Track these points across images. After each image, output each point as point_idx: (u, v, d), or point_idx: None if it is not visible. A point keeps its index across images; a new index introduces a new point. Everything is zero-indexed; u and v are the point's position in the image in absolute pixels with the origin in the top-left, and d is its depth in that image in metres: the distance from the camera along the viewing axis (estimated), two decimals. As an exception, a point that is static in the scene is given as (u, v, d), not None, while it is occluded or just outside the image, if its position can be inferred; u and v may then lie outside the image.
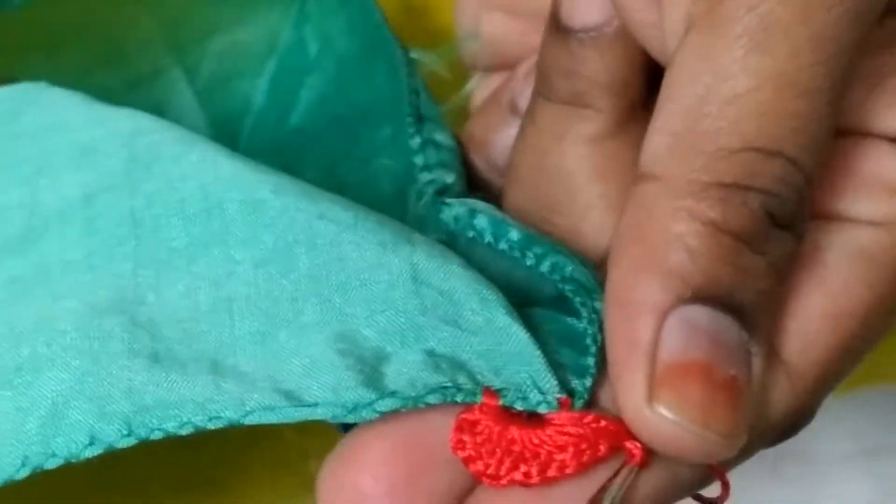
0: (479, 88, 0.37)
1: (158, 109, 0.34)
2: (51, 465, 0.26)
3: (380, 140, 0.34)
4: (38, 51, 0.38)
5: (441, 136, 0.34)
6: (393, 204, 0.32)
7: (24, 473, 0.26)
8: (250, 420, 0.26)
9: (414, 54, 0.36)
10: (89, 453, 0.26)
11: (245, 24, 0.37)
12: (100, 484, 0.37)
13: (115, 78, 0.34)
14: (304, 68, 0.36)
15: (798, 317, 0.28)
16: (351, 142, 0.35)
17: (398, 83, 0.35)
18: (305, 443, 0.39)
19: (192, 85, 0.36)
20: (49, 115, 0.32)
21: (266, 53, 0.37)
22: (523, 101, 0.33)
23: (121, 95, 0.33)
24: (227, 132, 0.34)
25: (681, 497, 0.28)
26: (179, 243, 0.29)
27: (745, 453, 0.27)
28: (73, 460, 0.26)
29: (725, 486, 0.27)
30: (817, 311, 0.28)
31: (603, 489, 0.26)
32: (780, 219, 0.26)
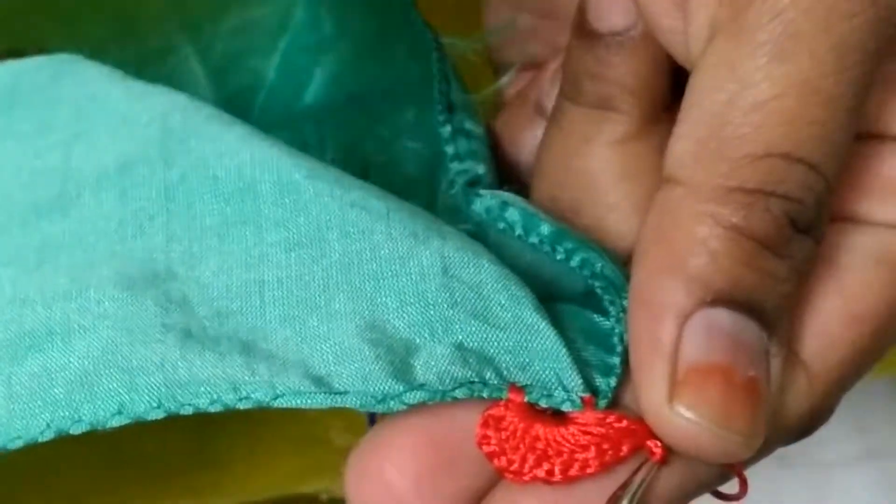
0: (510, 85, 0.37)
1: (170, 86, 0.34)
2: (76, 430, 0.26)
3: (403, 122, 0.35)
4: (52, 26, 0.38)
5: (471, 125, 0.34)
6: (419, 188, 0.32)
7: (48, 436, 0.26)
8: (279, 403, 0.26)
9: (446, 40, 0.36)
10: (116, 422, 0.26)
11: (258, 2, 0.38)
12: (111, 462, 0.38)
13: (127, 54, 0.34)
14: (319, 46, 0.36)
15: (816, 318, 0.28)
16: (371, 120, 0.35)
17: (424, 67, 0.35)
18: (328, 419, 0.39)
19: (203, 62, 0.36)
20: (86, 84, 0.33)
21: (278, 31, 0.36)
22: (549, 102, 0.33)
23: (133, 71, 0.33)
24: (237, 108, 0.34)
25: (699, 494, 0.28)
26: (212, 221, 0.29)
27: (762, 452, 0.27)
28: (99, 428, 0.26)
29: (743, 483, 0.28)
30: (835, 313, 0.28)
31: (623, 487, 0.27)
32: (802, 224, 0.26)
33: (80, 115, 0.32)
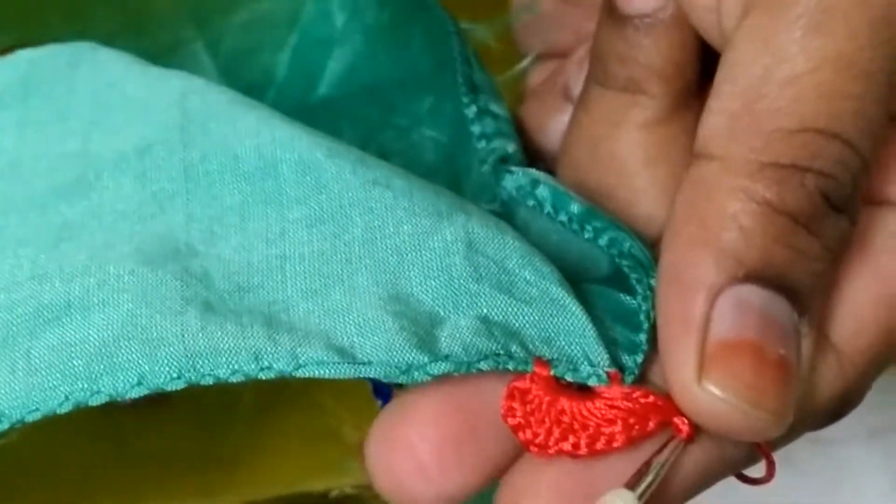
0: (533, 74, 0.37)
1: None
2: (94, 401, 0.26)
3: (421, 110, 0.34)
4: (61, 20, 0.38)
5: (496, 107, 0.34)
6: (439, 175, 0.32)
7: (66, 408, 0.26)
8: (301, 373, 0.26)
9: (464, 25, 0.36)
10: (135, 393, 0.26)
11: (268, -4, 0.38)
12: (118, 461, 0.38)
13: (137, 48, 0.34)
14: (331, 40, 0.36)
15: (848, 300, 0.28)
16: (387, 110, 0.35)
17: (440, 54, 0.35)
18: (341, 412, 0.39)
19: (213, 56, 0.37)
20: (103, 71, 0.33)
21: (288, 25, 0.36)
22: (577, 87, 0.33)
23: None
24: None
25: (725, 475, 0.28)
26: (232, 200, 0.29)
27: (791, 434, 0.27)
28: (119, 399, 0.26)
29: (771, 466, 0.28)
30: (868, 296, 0.28)
31: (648, 463, 0.26)
32: (836, 201, 0.26)
33: (99, 101, 0.32)
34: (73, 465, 0.37)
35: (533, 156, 0.34)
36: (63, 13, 0.38)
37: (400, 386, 0.38)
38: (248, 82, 0.35)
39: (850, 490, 0.48)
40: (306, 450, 0.41)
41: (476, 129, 0.33)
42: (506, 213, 0.30)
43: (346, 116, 0.35)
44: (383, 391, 0.36)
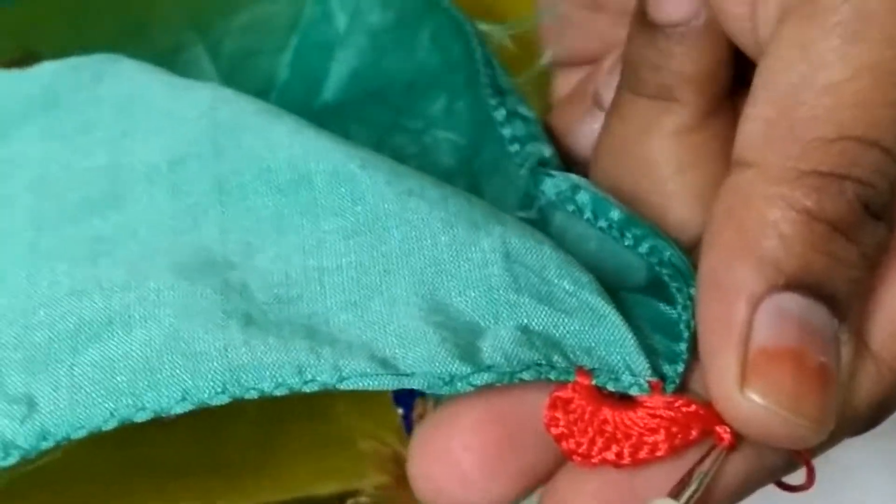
0: (560, 81, 0.37)
1: None
2: (140, 417, 0.26)
3: (433, 112, 0.34)
4: (62, 27, 0.38)
5: (524, 109, 0.34)
6: (456, 178, 0.32)
7: (111, 425, 0.26)
8: (345, 385, 0.26)
9: (481, 27, 0.36)
10: (180, 409, 0.26)
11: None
12: (123, 467, 0.38)
13: (138, 53, 0.34)
14: (333, 42, 0.36)
15: (886, 306, 0.28)
16: (396, 113, 0.35)
17: (451, 54, 0.35)
18: (353, 418, 0.39)
19: (215, 60, 0.36)
20: (128, 83, 0.33)
21: (289, 28, 0.36)
22: (608, 94, 0.33)
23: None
24: None
25: (766, 482, 0.28)
26: (267, 212, 0.29)
27: (831, 441, 0.27)
28: (163, 415, 0.26)
29: (811, 473, 0.28)
30: None
31: (691, 472, 0.26)
32: (874, 209, 0.26)
33: (124, 113, 0.32)
34: (79, 472, 0.37)
35: (563, 162, 0.34)
36: (65, 19, 0.38)
37: (423, 395, 0.38)
38: (249, 86, 0.35)
39: (851, 491, 0.48)
40: (313, 455, 0.41)
41: (507, 132, 0.33)
42: (543, 218, 0.30)
43: (353, 120, 0.35)
44: (404, 400, 0.36)
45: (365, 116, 0.35)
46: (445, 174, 0.32)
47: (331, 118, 0.34)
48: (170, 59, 0.36)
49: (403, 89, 0.35)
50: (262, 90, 0.36)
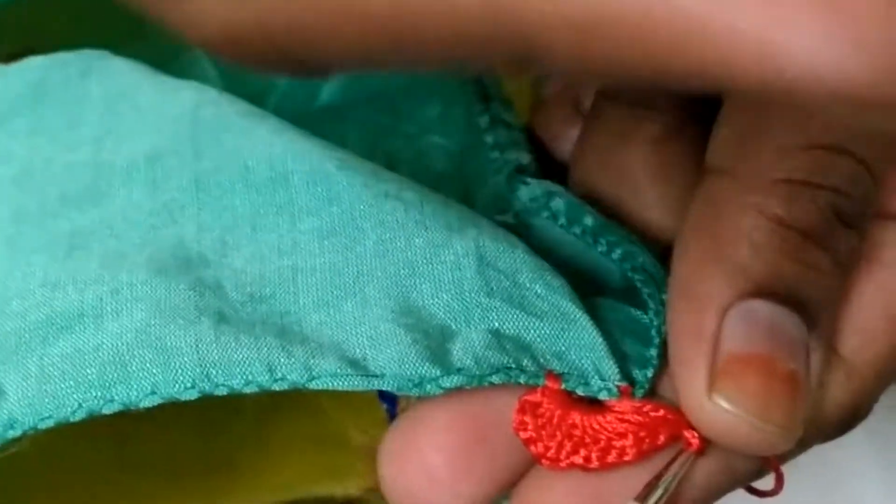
0: (550, 85, 0.37)
1: None
2: (108, 410, 0.26)
3: (428, 117, 0.34)
4: (64, 25, 0.38)
5: (509, 117, 0.34)
6: (448, 183, 0.32)
7: (79, 416, 0.26)
8: (315, 385, 0.26)
9: None
10: (149, 403, 0.26)
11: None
12: (119, 466, 0.38)
13: (139, 55, 0.34)
14: None
15: (856, 314, 0.28)
16: (393, 117, 0.35)
17: None
18: (345, 415, 0.39)
19: (215, 63, 0.36)
20: (114, 80, 0.33)
21: None
22: (587, 101, 0.33)
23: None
24: None
25: (734, 488, 0.28)
26: (244, 210, 0.29)
27: (800, 447, 0.27)
28: (132, 408, 0.26)
29: (779, 479, 0.28)
30: (876, 309, 0.28)
31: (658, 476, 0.26)
32: (846, 217, 0.26)
33: (110, 110, 0.32)
34: (75, 470, 0.37)
35: (543, 167, 0.34)
36: (66, 19, 0.38)
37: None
38: (249, 88, 0.35)
39: (847, 492, 0.48)
40: (310, 453, 0.41)
41: (489, 138, 0.33)
42: (519, 224, 0.31)
43: (351, 123, 0.35)
44: (388, 396, 0.36)
45: (363, 120, 0.35)
46: (438, 179, 0.32)
47: (329, 120, 0.35)
48: (171, 62, 0.36)
49: (401, 93, 0.35)
50: (261, 92, 0.35)
